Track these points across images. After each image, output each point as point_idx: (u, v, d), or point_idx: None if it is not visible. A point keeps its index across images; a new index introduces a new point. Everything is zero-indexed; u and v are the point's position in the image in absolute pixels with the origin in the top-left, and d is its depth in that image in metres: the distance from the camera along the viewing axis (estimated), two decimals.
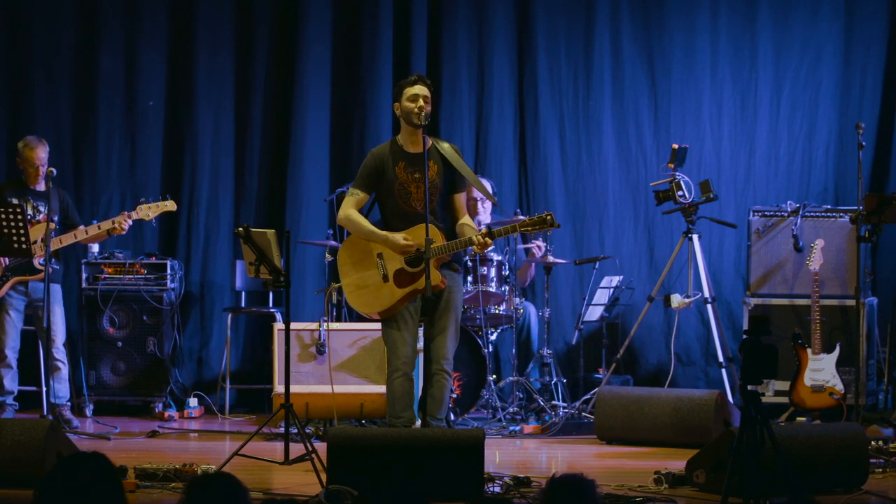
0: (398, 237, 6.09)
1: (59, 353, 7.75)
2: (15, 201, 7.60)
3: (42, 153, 7.71)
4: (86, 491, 3.32)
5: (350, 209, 6.25)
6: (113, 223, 7.57)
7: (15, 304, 7.70)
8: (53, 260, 7.64)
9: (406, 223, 6.15)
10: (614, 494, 5.38)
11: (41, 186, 7.77)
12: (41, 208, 7.72)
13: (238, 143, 9.10)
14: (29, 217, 7.55)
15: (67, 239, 7.62)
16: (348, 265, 6.33)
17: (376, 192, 6.27)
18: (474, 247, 5.99)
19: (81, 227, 7.69)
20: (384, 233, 6.15)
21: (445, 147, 6.19)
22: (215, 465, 5.82)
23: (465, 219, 6.24)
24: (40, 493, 3.33)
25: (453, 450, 5.34)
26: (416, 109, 6.09)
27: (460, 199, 6.27)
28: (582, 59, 9.03)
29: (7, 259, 7.55)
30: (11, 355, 7.73)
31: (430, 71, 8.98)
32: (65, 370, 7.78)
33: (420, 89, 6.13)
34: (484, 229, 6.04)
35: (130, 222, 7.61)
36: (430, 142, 6.19)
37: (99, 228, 7.61)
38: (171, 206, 7.76)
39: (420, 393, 6.21)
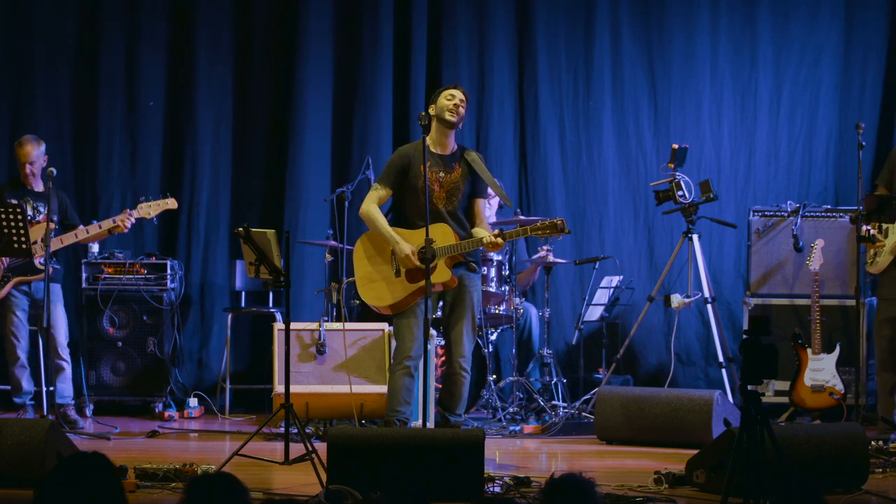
0: (405, 248, 6.30)
1: (64, 351, 7.75)
2: (13, 202, 7.60)
3: (32, 150, 7.67)
4: (86, 491, 3.32)
5: (372, 205, 6.46)
6: (114, 221, 7.57)
7: (20, 304, 7.69)
8: (53, 260, 7.66)
9: (426, 221, 6.25)
10: (614, 494, 5.38)
11: (40, 187, 7.76)
12: (41, 209, 7.71)
13: (238, 143, 9.10)
14: (29, 217, 7.54)
15: (68, 238, 7.61)
16: (363, 259, 6.49)
17: (400, 190, 6.46)
18: (485, 246, 6.20)
19: (82, 227, 7.67)
20: (397, 237, 6.35)
21: (472, 154, 6.46)
22: (215, 465, 5.82)
23: (483, 225, 6.46)
24: (41, 494, 3.33)
25: (453, 450, 5.35)
26: (451, 105, 6.36)
27: (479, 204, 6.52)
28: (582, 59, 9.03)
29: (7, 259, 7.54)
30: (23, 356, 7.72)
31: (430, 71, 8.99)
32: (69, 369, 7.77)
33: (458, 92, 6.44)
34: (497, 231, 6.25)
35: (133, 220, 7.61)
36: (456, 146, 6.48)
37: (100, 227, 7.60)
38: (171, 203, 7.75)
39: (437, 391, 6.34)
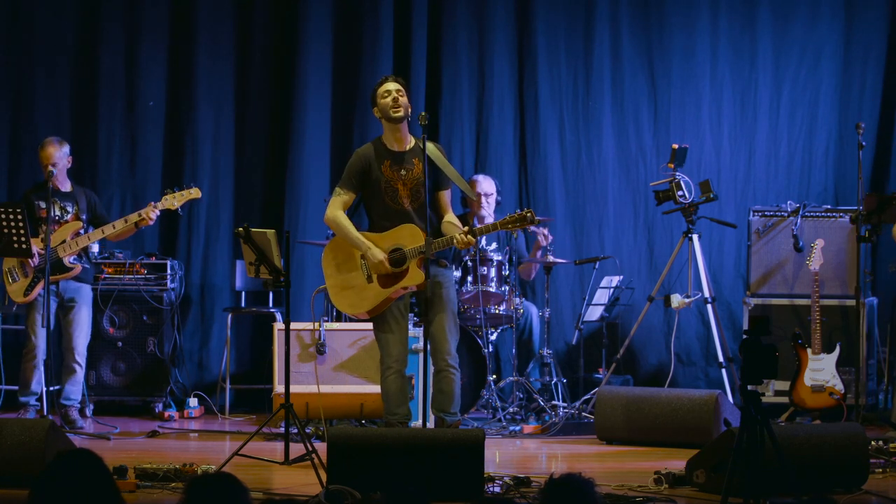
0: (378, 254, 6.20)
1: (80, 355, 7.71)
2: (42, 205, 7.57)
3: (55, 152, 7.60)
4: (79, 488, 3.33)
5: (337, 210, 6.34)
6: (140, 215, 7.53)
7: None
8: (84, 258, 7.72)
9: (393, 222, 6.26)
10: (614, 494, 5.38)
11: (66, 186, 7.74)
12: (69, 208, 7.68)
13: (238, 143, 9.10)
14: (57, 217, 7.53)
15: (95, 235, 7.59)
16: (332, 267, 6.41)
17: (362, 193, 6.37)
18: (457, 244, 6.13)
19: (108, 223, 7.63)
20: (367, 243, 6.24)
21: (429, 146, 6.25)
22: (215, 465, 5.82)
23: (449, 216, 6.37)
24: (35, 493, 3.33)
25: (453, 450, 5.35)
26: (390, 102, 6.22)
27: (444, 196, 6.41)
28: (582, 59, 9.03)
29: (36, 260, 7.49)
30: (40, 357, 7.61)
31: (430, 71, 8.99)
32: (80, 373, 7.73)
33: (391, 85, 6.28)
34: (466, 228, 6.15)
35: (158, 213, 7.56)
36: (413, 140, 6.34)
37: (126, 222, 7.54)
38: (196, 193, 7.69)
39: (429, 391, 6.29)
